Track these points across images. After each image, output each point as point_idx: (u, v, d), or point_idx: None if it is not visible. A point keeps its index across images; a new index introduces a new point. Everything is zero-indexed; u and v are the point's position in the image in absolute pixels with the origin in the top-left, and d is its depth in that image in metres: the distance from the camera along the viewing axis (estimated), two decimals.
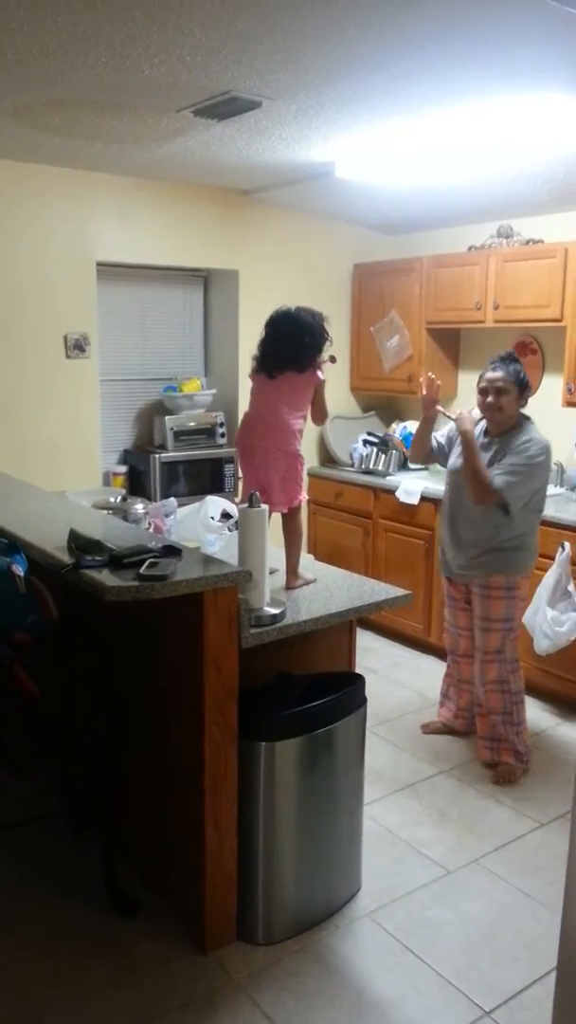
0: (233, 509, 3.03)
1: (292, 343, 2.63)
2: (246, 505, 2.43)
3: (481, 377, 3.30)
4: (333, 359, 2.77)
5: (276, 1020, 2.18)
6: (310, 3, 2.15)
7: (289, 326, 2.64)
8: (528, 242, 4.46)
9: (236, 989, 2.29)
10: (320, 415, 2.80)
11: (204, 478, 4.79)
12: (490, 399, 3.24)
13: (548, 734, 3.78)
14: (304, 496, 2.78)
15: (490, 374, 3.25)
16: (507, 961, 2.41)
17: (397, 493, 4.67)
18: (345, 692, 2.52)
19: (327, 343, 2.69)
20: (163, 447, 4.72)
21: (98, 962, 2.36)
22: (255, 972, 2.35)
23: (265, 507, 2.46)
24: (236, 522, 3.03)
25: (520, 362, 3.32)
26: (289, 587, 2.70)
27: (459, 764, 3.50)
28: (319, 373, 2.69)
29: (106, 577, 2.13)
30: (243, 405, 4.74)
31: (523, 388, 3.27)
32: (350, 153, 3.68)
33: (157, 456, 4.62)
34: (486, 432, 3.35)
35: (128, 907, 2.54)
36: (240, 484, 4.78)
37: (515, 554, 3.30)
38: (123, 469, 4.70)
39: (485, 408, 3.28)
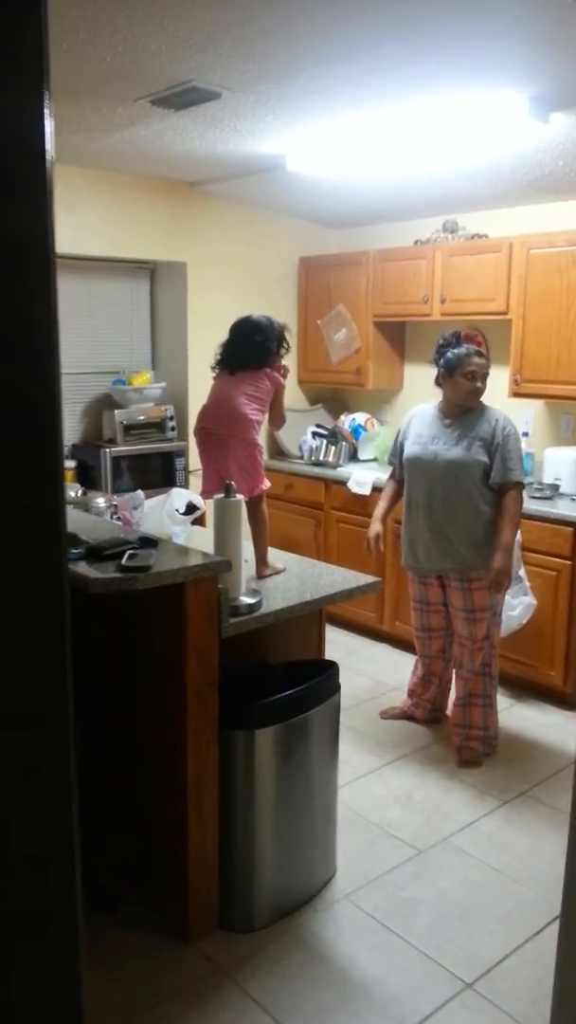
0: (199, 501, 3.02)
1: (248, 341, 2.75)
2: (222, 495, 2.44)
3: (463, 361, 3.30)
4: (285, 369, 2.86)
5: (264, 1005, 2.20)
6: (278, 2, 2.16)
7: (246, 327, 2.78)
8: (473, 236, 4.56)
9: (222, 977, 2.30)
10: (278, 419, 2.88)
11: (154, 472, 4.75)
12: (478, 384, 3.31)
13: (502, 715, 3.89)
14: (266, 483, 2.80)
15: (477, 359, 3.30)
16: (483, 934, 2.48)
17: (348, 484, 4.73)
18: (321, 679, 2.55)
19: (284, 349, 2.80)
20: (113, 441, 4.66)
21: None
22: (240, 959, 2.36)
23: (241, 497, 2.47)
24: (198, 515, 3.04)
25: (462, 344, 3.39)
26: (260, 576, 2.72)
27: (420, 747, 3.58)
28: (278, 377, 2.79)
29: (87, 570, 2.11)
30: (193, 398, 4.78)
31: None
32: (302, 146, 3.70)
33: (107, 450, 4.56)
34: (444, 414, 3.40)
35: (108, 903, 2.52)
36: (188, 477, 4.77)
37: (493, 544, 3.36)
38: (72, 464, 4.62)
39: (472, 392, 3.32)
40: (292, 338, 5.28)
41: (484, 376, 3.33)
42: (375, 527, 3.60)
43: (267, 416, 2.85)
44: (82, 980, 0.90)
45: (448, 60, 2.59)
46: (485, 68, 2.67)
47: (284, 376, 2.84)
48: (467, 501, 3.31)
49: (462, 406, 3.35)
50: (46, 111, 0.81)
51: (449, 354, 3.33)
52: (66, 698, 0.86)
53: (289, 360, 5.26)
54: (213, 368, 2.82)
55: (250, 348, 2.75)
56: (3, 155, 0.79)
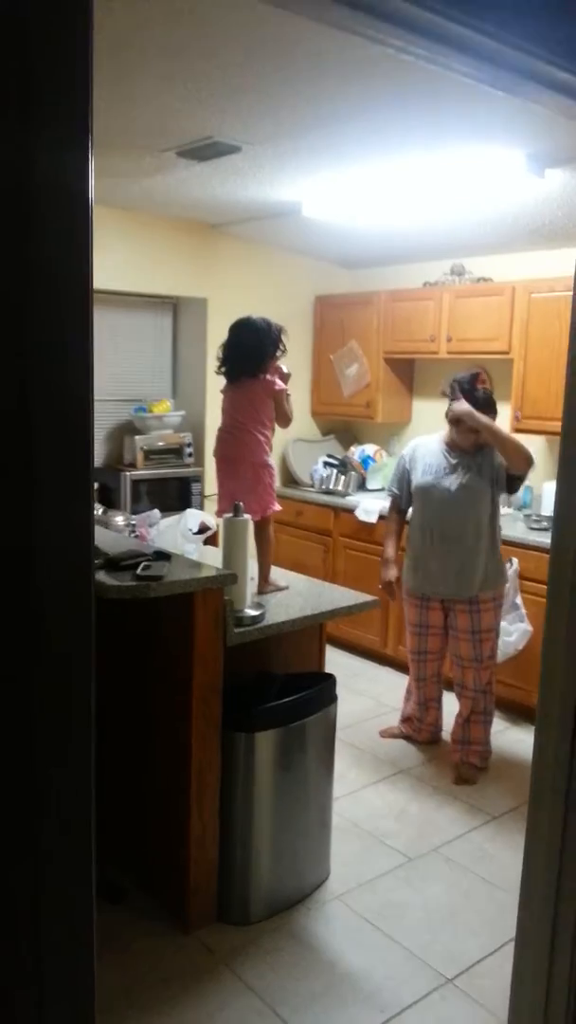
0: (211, 521, 3.22)
1: (243, 344, 2.90)
2: (230, 514, 2.64)
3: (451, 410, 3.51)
4: (286, 371, 2.98)
5: (257, 990, 2.36)
6: (291, 65, 2.40)
7: (241, 328, 2.92)
8: (479, 280, 4.79)
9: (219, 964, 2.45)
10: (284, 419, 2.98)
11: (171, 496, 4.97)
12: (483, 437, 3.49)
13: (497, 737, 4.03)
14: (276, 507, 2.99)
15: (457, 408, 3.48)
16: (467, 936, 2.62)
17: (356, 512, 4.92)
18: (318, 689, 2.73)
19: (280, 351, 2.92)
20: (133, 465, 4.89)
21: None
22: (235, 949, 2.52)
23: (247, 516, 2.67)
24: (210, 535, 3.24)
25: (477, 387, 3.57)
26: (261, 592, 2.91)
27: (416, 765, 3.73)
28: (277, 381, 2.91)
29: (105, 578, 2.32)
30: (210, 426, 5.01)
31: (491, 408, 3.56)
32: (316, 194, 3.96)
33: (127, 474, 4.79)
34: (450, 447, 3.60)
35: (114, 893, 2.69)
36: (204, 502, 4.99)
37: (497, 566, 3.54)
38: (94, 486, 4.85)
39: (474, 444, 3.52)
40: (304, 366, 5.54)
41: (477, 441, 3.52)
42: (392, 572, 3.76)
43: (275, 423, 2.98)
44: (94, 950, 0.99)
45: (447, 122, 2.82)
46: (484, 128, 2.90)
47: (284, 378, 2.95)
48: (476, 528, 3.49)
49: (469, 445, 3.54)
50: (90, 162, 0.96)
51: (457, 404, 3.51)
52: (90, 680, 0.97)
53: (303, 392, 5.54)
54: (217, 372, 2.97)
55: (247, 350, 2.89)
56: (55, 200, 0.87)
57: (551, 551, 1.61)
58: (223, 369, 2.94)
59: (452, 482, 3.53)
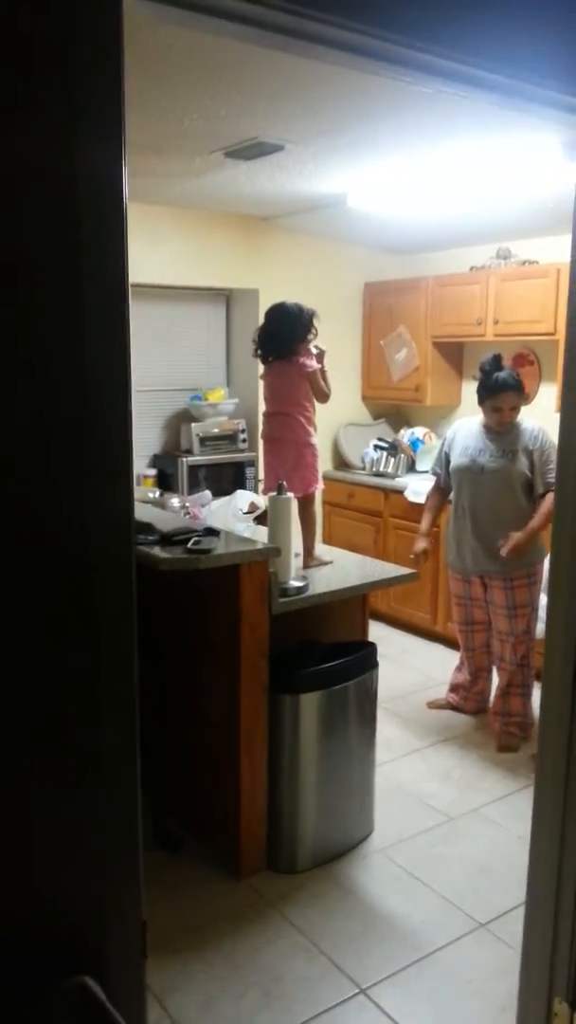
0: (260, 501, 3.43)
1: (276, 328, 3.08)
2: (275, 493, 2.84)
3: (494, 396, 3.60)
4: (319, 349, 3.12)
5: (302, 929, 2.57)
6: (327, 69, 2.57)
7: (274, 313, 3.11)
8: (524, 263, 4.86)
9: (267, 906, 2.67)
10: (322, 396, 3.12)
11: (226, 480, 5.19)
12: (505, 418, 3.62)
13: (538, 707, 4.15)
14: (319, 485, 3.17)
15: (506, 395, 3.58)
16: (501, 888, 2.78)
17: (406, 493, 5.07)
18: (359, 655, 2.92)
19: (312, 333, 3.08)
20: (189, 451, 5.13)
21: (148, 886, 2.75)
22: (282, 893, 2.74)
23: (290, 495, 2.86)
24: (259, 515, 3.44)
25: (503, 367, 3.65)
26: (305, 566, 3.10)
27: (462, 734, 3.89)
28: (308, 363, 3.06)
29: (159, 552, 2.54)
30: (262, 414, 5.21)
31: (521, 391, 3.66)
32: (360, 186, 4.10)
33: (184, 460, 5.04)
34: (487, 429, 3.72)
35: (172, 843, 2.94)
36: (258, 485, 5.20)
37: (532, 544, 3.65)
38: (152, 472, 5.11)
39: (498, 423, 3.64)
40: (354, 351, 5.67)
41: (514, 409, 3.63)
42: (421, 544, 3.93)
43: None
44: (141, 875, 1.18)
45: (481, 112, 2.94)
46: (518, 116, 3.00)
47: (319, 358, 3.10)
48: (510, 509, 3.62)
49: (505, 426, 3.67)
50: (124, 165, 1.04)
51: (482, 387, 3.64)
52: (132, 642, 1.16)
53: (352, 378, 5.71)
54: (253, 355, 3.16)
55: (280, 333, 3.07)
56: (97, 199, 1.00)
57: (555, 506, 1.75)
58: (259, 352, 3.13)
59: (486, 463, 3.66)
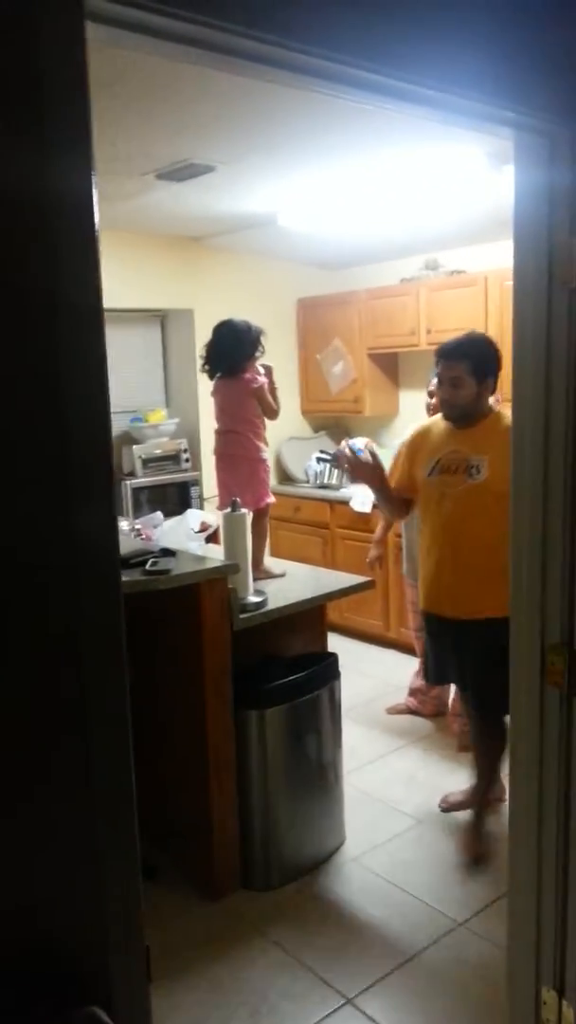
0: (211, 519, 3.42)
1: (223, 344, 3.10)
2: (229, 510, 2.84)
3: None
4: (267, 368, 3.15)
5: (283, 945, 2.56)
6: (259, 92, 2.61)
7: (222, 329, 3.12)
8: (452, 273, 4.99)
9: (247, 926, 2.65)
10: (270, 413, 3.15)
11: (171, 501, 5.17)
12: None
13: None
14: (270, 499, 3.18)
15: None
16: (476, 886, 2.82)
17: (351, 503, 5.12)
18: (321, 666, 2.93)
19: (259, 351, 3.11)
20: (132, 474, 5.09)
21: None
22: (261, 912, 2.72)
23: (245, 511, 2.87)
24: (210, 534, 3.43)
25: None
26: (255, 579, 3.09)
27: (422, 737, 3.93)
28: (255, 378, 3.08)
29: None
30: (204, 431, 5.22)
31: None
32: (290, 204, 4.16)
33: (127, 483, 4.99)
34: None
35: (146, 871, 2.88)
36: (203, 504, 5.19)
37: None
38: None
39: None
40: (291, 367, 5.72)
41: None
42: (374, 552, 3.98)
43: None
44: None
45: (412, 127, 3.02)
46: (443, 132, 3.09)
47: (267, 374, 3.12)
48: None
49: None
50: (94, 186, 1.05)
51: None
52: (122, 667, 1.16)
53: (292, 391, 5.74)
54: (201, 370, 3.17)
55: (227, 349, 3.09)
56: (65, 223, 1.00)
57: (510, 514, 1.80)
58: (206, 368, 3.15)
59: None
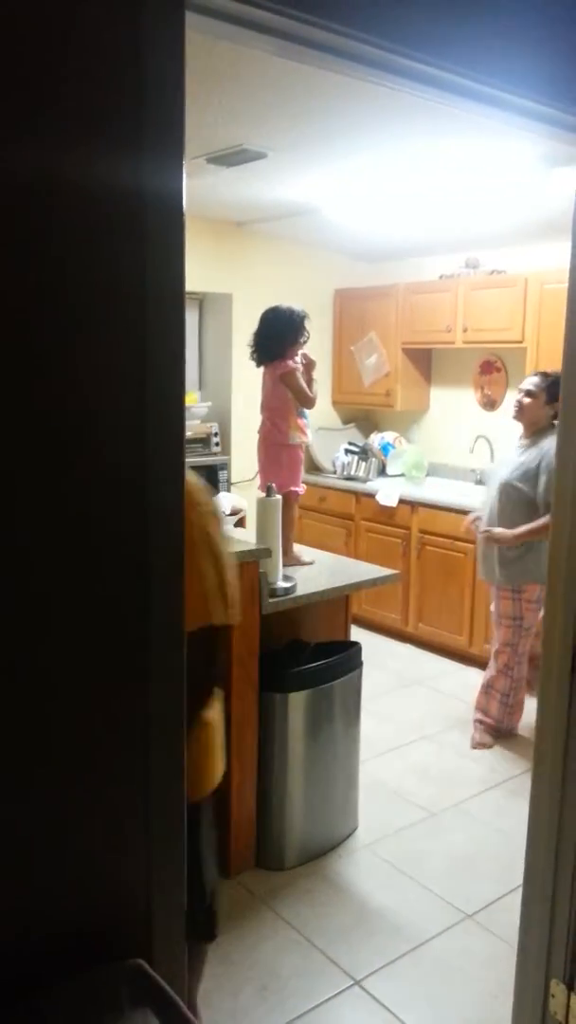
0: (243, 503, 3.46)
1: (268, 330, 3.12)
2: (264, 495, 2.88)
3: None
4: (306, 357, 3.16)
5: (294, 924, 2.61)
6: (317, 82, 2.62)
7: (267, 315, 3.15)
8: (492, 272, 4.99)
9: (259, 903, 2.71)
10: (303, 400, 3.14)
11: None
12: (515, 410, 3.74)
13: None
14: (296, 488, 3.20)
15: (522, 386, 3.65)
16: (484, 879, 2.86)
17: (377, 497, 5.15)
18: (345, 655, 2.97)
19: (303, 336, 3.12)
20: None
21: None
22: (273, 890, 2.77)
23: (279, 496, 2.91)
24: (241, 516, 3.47)
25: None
26: (284, 565, 3.13)
27: (436, 732, 3.97)
28: (285, 363, 3.08)
29: None
30: (236, 416, 5.25)
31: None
32: (337, 195, 4.17)
33: None
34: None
35: None
36: (232, 488, 5.23)
37: (521, 564, 3.63)
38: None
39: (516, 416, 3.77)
40: (325, 356, 5.74)
41: (519, 404, 3.72)
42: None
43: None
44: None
45: (461, 127, 3.03)
46: (495, 128, 3.10)
47: (308, 362, 3.14)
48: (505, 523, 3.64)
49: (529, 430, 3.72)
50: (183, 179, 1.18)
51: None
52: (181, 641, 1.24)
53: (324, 382, 5.76)
54: (251, 358, 3.18)
55: (270, 336, 3.11)
56: (164, 214, 1.16)
57: (552, 524, 1.83)
58: (254, 356, 3.17)
59: (501, 475, 3.70)
